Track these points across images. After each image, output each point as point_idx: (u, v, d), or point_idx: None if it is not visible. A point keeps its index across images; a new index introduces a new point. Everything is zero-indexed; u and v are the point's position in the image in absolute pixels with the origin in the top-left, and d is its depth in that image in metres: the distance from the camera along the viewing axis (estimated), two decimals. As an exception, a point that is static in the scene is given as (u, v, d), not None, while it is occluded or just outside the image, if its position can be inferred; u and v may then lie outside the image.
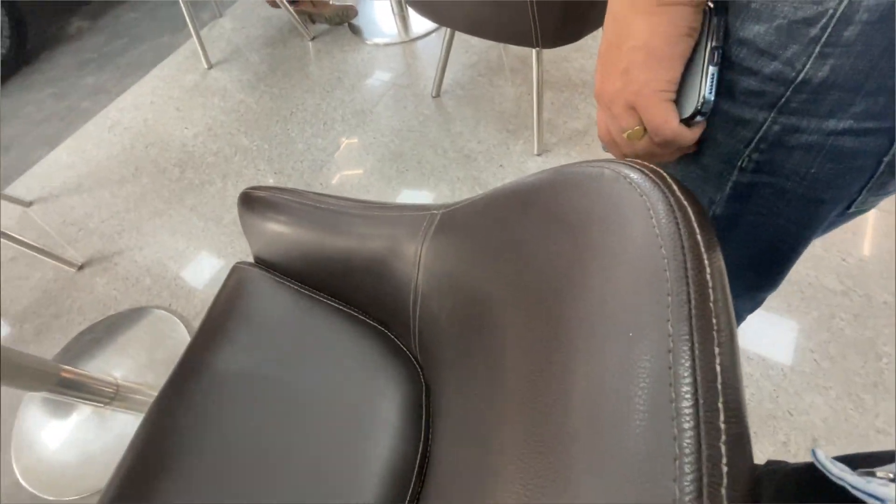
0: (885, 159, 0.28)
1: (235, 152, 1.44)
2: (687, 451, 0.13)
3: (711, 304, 0.16)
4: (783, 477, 0.21)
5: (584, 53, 1.47)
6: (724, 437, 0.13)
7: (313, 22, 1.75)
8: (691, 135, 0.31)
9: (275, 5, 1.75)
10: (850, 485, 0.18)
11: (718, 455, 0.13)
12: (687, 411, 0.14)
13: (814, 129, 0.27)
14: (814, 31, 0.24)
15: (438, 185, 1.25)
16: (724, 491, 0.13)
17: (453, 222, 0.40)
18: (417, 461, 0.46)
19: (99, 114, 1.67)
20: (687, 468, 0.13)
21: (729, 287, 0.17)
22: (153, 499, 0.48)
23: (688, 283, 0.16)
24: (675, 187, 0.20)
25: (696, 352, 0.15)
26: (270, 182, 1.35)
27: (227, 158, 1.43)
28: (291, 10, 1.67)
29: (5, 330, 1.18)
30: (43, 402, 1.05)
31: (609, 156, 0.36)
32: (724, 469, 0.13)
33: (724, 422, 0.14)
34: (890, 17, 0.22)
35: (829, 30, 0.24)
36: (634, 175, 0.21)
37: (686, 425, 0.14)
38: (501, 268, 0.30)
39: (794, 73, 0.26)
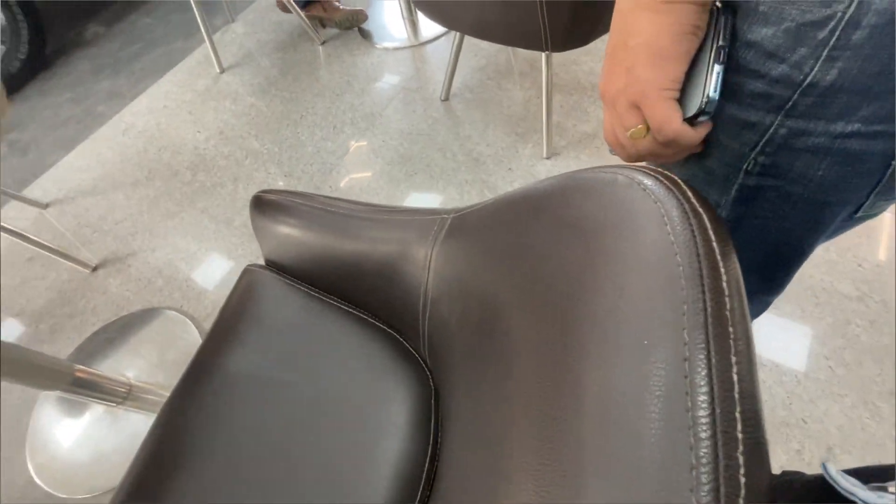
0: (894, 163, 0.28)
1: (246, 155, 1.46)
2: (704, 460, 0.13)
3: (728, 313, 0.15)
4: (800, 488, 0.21)
5: (593, 56, 1.46)
6: (741, 448, 0.13)
7: (324, 26, 1.77)
8: (695, 134, 0.31)
9: (286, 10, 1.77)
10: (861, 500, 0.18)
11: (736, 465, 0.13)
12: (703, 421, 0.14)
13: (821, 132, 0.27)
14: (822, 35, 0.24)
15: (447, 189, 1.25)
16: (741, 502, 0.13)
17: (464, 226, 0.40)
18: (426, 465, 0.46)
19: (114, 118, 1.70)
20: (704, 478, 0.13)
21: (745, 294, 0.17)
22: (165, 499, 0.48)
23: (703, 291, 0.16)
24: (690, 194, 0.20)
25: (713, 360, 0.15)
26: (280, 185, 1.36)
27: (238, 161, 1.44)
28: (302, 15, 1.68)
29: (21, 329, 1.20)
30: (57, 401, 1.07)
31: (619, 161, 0.35)
32: (742, 480, 0.13)
33: (742, 432, 0.13)
34: None
35: (837, 33, 0.24)
36: (648, 181, 0.21)
37: (703, 435, 0.14)
38: (513, 273, 0.30)
39: (801, 77, 0.26)
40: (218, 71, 1.75)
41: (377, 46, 1.69)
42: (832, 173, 0.29)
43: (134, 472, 0.51)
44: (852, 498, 0.18)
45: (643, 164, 0.31)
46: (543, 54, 1.08)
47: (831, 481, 0.20)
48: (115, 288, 1.22)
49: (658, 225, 0.19)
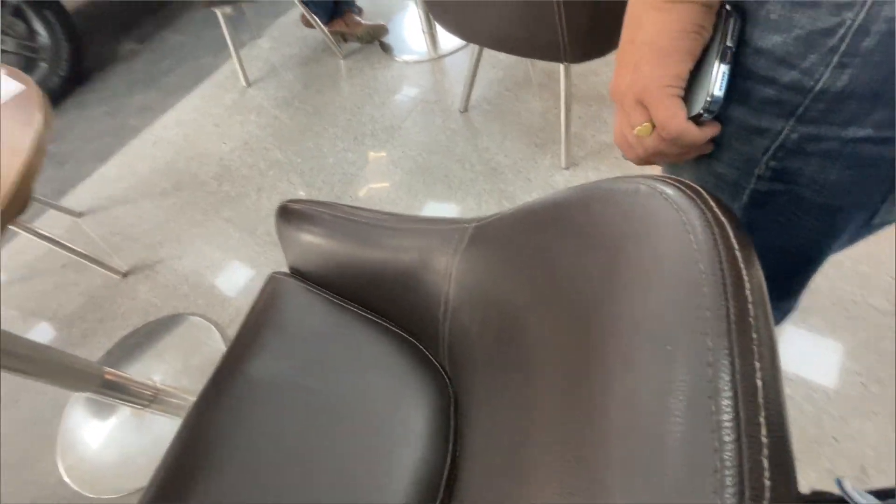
0: None
1: (270, 166, 1.50)
2: (728, 463, 0.13)
3: (752, 320, 0.16)
4: None
5: (612, 67, 1.46)
6: (766, 451, 0.13)
7: (346, 41, 1.81)
8: (700, 133, 0.31)
9: (310, 26, 1.82)
10: None
11: (760, 469, 0.13)
12: (727, 424, 0.14)
13: (833, 137, 0.27)
14: (832, 42, 0.24)
15: (465, 199, 1.26)
16: (766, 506, 0.13)
17: (485, 236, 0.41)
18: (445, 472, 0.46)
19: (145, 130, 1.77)
20: (728, 480, 0.13)
21: (769, 302, 0.17)
22: (190, 500, 0.50)
23: (727, 298, 0.16)
24: (712, 203, 0.20)
25: (736, 366, 0.15)
26: (301, 194, 1.39)
27: (262, 172, 1.48)
28: (325, 30, 1.73)
29: (55, 333, 1.25)
30: (86, 403, 1.10)
31: (635, 168, 0.36)
32: (767, 483, 0.13)
33: (767, 436, 0.14)
34: None
35: (847, 40, 0.24)
36: (670, 191, 0.22)
37: (727, 438, 0.14)
38: (535, 282, 0.31)
39: (812, 83, 0.26)
40: (244, 85, 1.81)
41: (397, 60, 1.72)
42: (844, 178, 0.29)
43: (161, 475, 0.52)
44: None
45: (665, 174, 0.32)
46: (562, 65, 1.08)
47: (847, 498, 0.20)
48: (143, 294, 1.27)
49: (680, 233, 0.19)
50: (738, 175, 0.33)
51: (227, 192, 1.46)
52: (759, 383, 0.14)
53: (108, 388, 0.94)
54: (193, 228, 1.39)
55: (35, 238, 1.31)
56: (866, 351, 0.84)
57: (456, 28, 1.19)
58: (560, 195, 0.31)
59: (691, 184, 0.22)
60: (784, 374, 0.85)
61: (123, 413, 1.07)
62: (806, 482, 0.75)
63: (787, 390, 0.84)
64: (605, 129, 1.31)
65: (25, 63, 1.93)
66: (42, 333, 1.26)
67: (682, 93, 0.30)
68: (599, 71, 1.46)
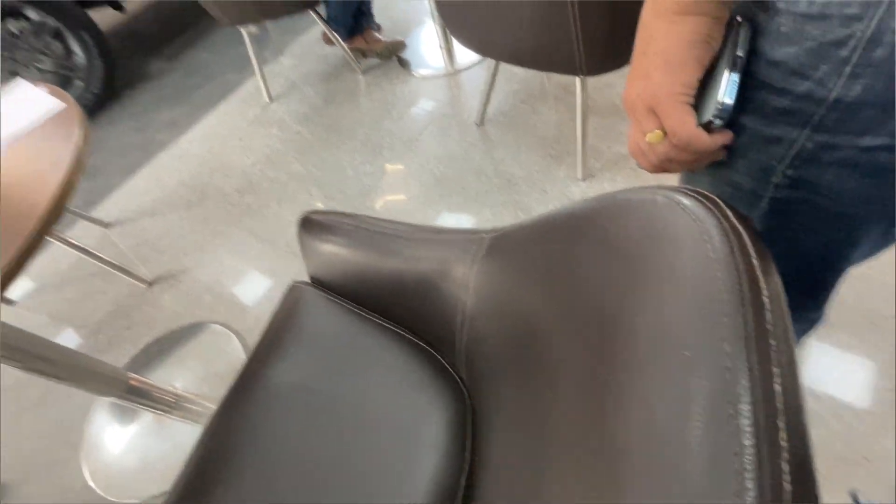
0: None
1: (290, 178, 1.53)
2: (748, 466, 0.14)
3: (769, 326, 0.16)
4: None
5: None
6: (786, 455, 0.14)
7: (365, 57, 1.86)
8: (710, 140, 0.32)
9: (330, 43, 1.88)
10: None
11: (780, 472, 0.13)
12: (747, 428, 0.14)
13: (849, 145, 0.27)
14: (844, 53, 0.25)
15: (481, 211, 1.27)
16: (786, 508, 0.13)
17: (503, 246, 0.41)
18: (463, 481, 0.46)
19: (172, 145, 1.83)
20: (749, 483, 0.13)
21: (788, 310, 0.18)
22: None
23: (743, 305, 0.17)
24: (728, 213, 0.21)
25: (755, 371, 0.15)
26: (319, 206, 1.42)
27: (283, 184, 1.52)
28: (346, 48, 1.78)
29: (83, 339, 1.29)
30: (110, 409, 1.13)
31: (655, 181, 0.36)
32: (788, 486, 0.13)
33: (787, 440, 0.14)
34: None
35: (858, 51, 0.24)
36: (687, 201, 0.22)
37: (747, 442, 0.14)
38: (553, 292, 0.31)
39: (825, 92, 0.26)
40: (267, 100, 1.86)
41: (415, 75, 1.76)
42: (862, 186, 0.29)
43: (183, 480, 0.54)
44: None
45: (682, 185, 0.32)
46: (578, 78, 1.09)
47: None
48: (167, 302, 1.30)
49: (698, 242, 0.20)
50: (754, 183, 0.34)
51: (249, 203, 1.50)
52: (778, 388, 0.15)
53: (133, 393, 0.96)
54: (216, 239, 1.42)
55: (67, 247, 1.36)
56: (897, 367, 0.81)
57: (473, 43, 1.21)
58: (578, 206, 0.32)
59: (708, 194, 0.23)
60: (811, 391, 0.83)
61: (145, 419, 1.09)
62: (834, 501, 0.72)
63: (815, 407, 0.82)
64: (621, 140, 1.31)
65: (62, 81, 2.02)
66: (71, 339, 1.30)
67: (691, 100, 0.31)
68: (615, 83, 1.47)
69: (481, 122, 1.50)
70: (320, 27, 1.73)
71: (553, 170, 1.30)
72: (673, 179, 0.43)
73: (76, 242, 1.35)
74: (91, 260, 1.36)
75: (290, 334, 0.63)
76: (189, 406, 1.06)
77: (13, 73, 1.92)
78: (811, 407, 0.82)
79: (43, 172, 0.58)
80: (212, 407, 1.11)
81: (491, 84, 1.40)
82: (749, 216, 0.35)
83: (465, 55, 1.75)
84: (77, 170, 0.57)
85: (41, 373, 0.83)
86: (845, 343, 0.86)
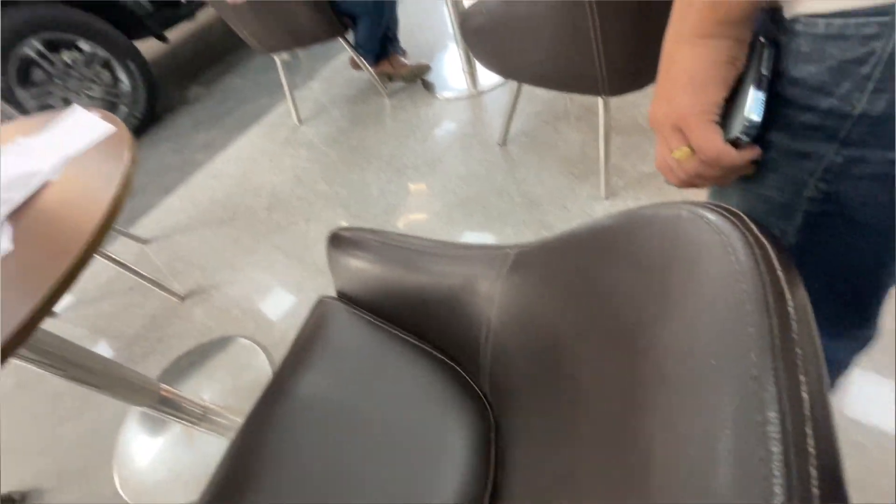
0: None
1: (317, 197, 1.58)
2: (776, 472, 0.14)
3: (795, 335, 0.16)
4: None
5: (651, 98, 1.47)
6: (813, 461, 0.14)
7: (391, 80, 1.93)
8: (739, 156, 0.32)
9: (357, 68, 1.95)
10: None
11: (808, 478, 0.13)
12: (775, 435, 0.14)
13: (878, 159, 0.28)
14: (865, 70, 0.25)
15: (504, 229, 1.28)
16: (816, 513, 0.13)
17: (528, 261, 0.42)
18: (487, 498, 0.46)
19: (207, 165, 1.92)
20: (777, 489, 0.14)
21: (815, 322, 0.18)
22: (240, 512, 0.52)
23: (769, 315, 0.17)
24: (753, 226, 0.21)
25: (781, 379, 0.15)
26: (345, 224, 1.46)
27: (310, 203, 1.57)
28: (372, 72, 1.85)
29: (119, 350, 1.34)
30: (141, 420, 1.17)
31: (682, 194, 0.36)
32: (816, 492, 0.13)
33: (814, 447, 0.14)
34: None
35: (880, 67, 0.25)
36: (711, 216, 0.23)
37: (774, 448, 0.14)
38: (578, 305, 0.32)
39: (850, 108, 0.27)
40: (296, 123, 1.94)
41: (439, 97, 1.80)
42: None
43: (210, 491, 0.55)
44: None
45: (708, 201, 0.33)
46: (600, 98, 1.11)
47: None
48: (198, 316, 1.35)
49: (722, 255, 0.20)
50: (787, 198, 0.34)
51: (277, 221, 1.55)
52: (805, 395, 0.15)
53: (163, 404, 0.99)
54: (246, 255, 1.47)
55: (107, 262, 1.43)
56: (946, 395, 0.77)
57: (496, 66, 1.24)
58: (602, 221, 0.33)
59: (731, 208, 0.23)
60: (854, 421, 0.79)
61: (175, 430, 1.12)
62: (882, 538, 0.68)
63: (857, 436, 0.78)
64: (645, 159, 1.31)
65: (108, 107, 2.16)
66: (107, 350, 1.35)
67: (717, 119, 0.32)
68: (638, 102, 1.47)
69: (504, 143, 1.52)
70: (348, 53, 1.80)
71: (576, 189, 1.30)
72: (701, 195, 0.43)
73: (116, 258, 1.42)
74: (129, 274, 1.42)
75: (317, 348, 0.64)
76: (216, 418, 1.09)
77: (66, 101, 2.07)
78: (853, 437, 0.78)
79: (95, 191, 0.62)
80: (238, 420, 1.13)
81: (513, 105, 1.42)
82: (785, 230, 0.35)
83: (488, 77, 1.79)
84: (125, 189, 0.61)
85: (81, 381, 0.87)
86: (887, 369, 0.82)
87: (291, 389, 0.61)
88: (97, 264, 1.57)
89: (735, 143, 0.31)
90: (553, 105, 1.58)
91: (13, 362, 0.58)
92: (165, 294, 1.41)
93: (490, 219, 1.32)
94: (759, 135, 0.31)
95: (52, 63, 1.98)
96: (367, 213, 1.47)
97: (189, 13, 2.42)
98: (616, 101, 1.49)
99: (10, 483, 1.13)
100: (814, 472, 0.13)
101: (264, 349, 1.21)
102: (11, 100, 1.91)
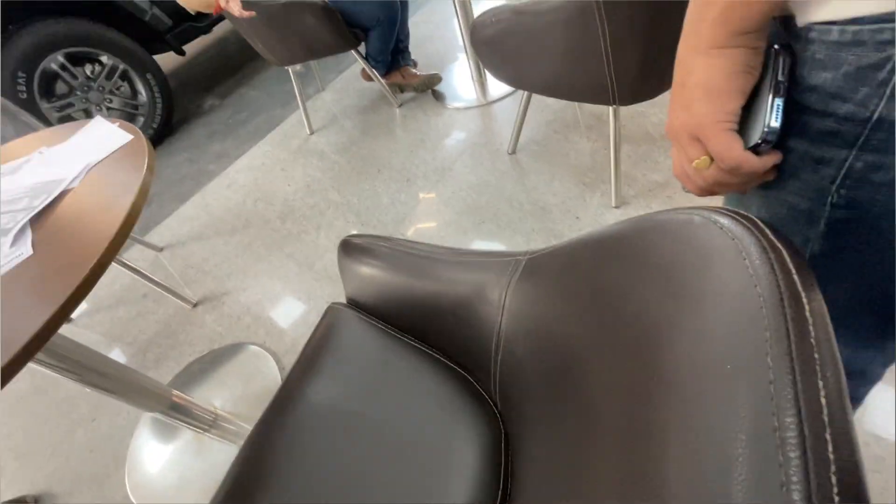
0: None
1: (328, 206, 1.60)
2: (794, 479, 0.14)
3: (812, 340, 0.16)
4: None
5: (661, 108, 1.47)
6: (833, 468, 0.13)
7: (402, 91, 1.95)
8: (760, 162, 0.32)
9: (369, 79, 1.98)
10: None
11: (829, 486, 0.13)
12: (792, 441, 0.14)
13: None
14: (882, 75, 0.25)
15: (514, 237, 1.28)
16: (836, 522, 0.13)
17: (539, 268, 0.42)
18: (497, 507, 0.45)
19: (221, 174, 1.96)
20: (796, 496, 0.13)
21: (832, 327, 0.18)
22: (249, 518, 0.52)
23: (786, 320, 0.17)
24: (767, 231, 0.21)
25: (799, 384, 0.15)
26: (354, 232, 1.47)
27: (322, 211, 1.59)
28: (384, 83, 1.88)
29: (132, 356, 1.36)
30: (153, 426, 1.17)
31: (694, 200, 0.36)
32: (836, 499, 0.13)
33: (833, 453, 0.14)
34: None
35: None
36: (724, 220, 0.22)
37: (792, 454, 0.14)
38: (590, 312, 0.32)
39: (868, 113, 0.27)
40: (308, 133, 1.97)
41: (449, 107, 1.82)
42: None
43: (220, 498, 0.55)
44: None
45: (719, 205, 0.32)
46: (611, 108, 1.11)
47: None
48: (210, 323, 1.36)
49: (736, 260, 0.20)
50: (810, 204, 0.34)
51: (289, 229, 1.57)
52: (824, 401, 0.15)
53: (175, 409, 1.00)
54: (258, 263, 1.49)
55: (122, 269, 1.46)
56: (972, 409, 0.75)
57: (506, 76, 1.25)
58: (614, 227, 0.32)
59: (744, 213, 0.23)
60: (878, 437, 0.77)
61: (185, 437, 1.13)
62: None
63: (878, 450, 0.75)
64: (656, 168, 1.30)
65: (127, 118, 2.22)
66: (121, 356, 1.37)
67: (735, 127, 0.32)
68: (647, 112, 1.47)
69: (513, 152, 1.52)
70: (360, 64, 1.83)
71: (586, 197, 1.30)
72: (715, 203, 0.42)
73: (132, 264, 1.44)
74: (143, 281, 1.44)
75: (327, 355, 0.65)
76: (226, 425, 1.09)
77: (87, 112, 2.12)
78: (876, 452, 0.76)
79: (113, 199, 0.64)
80: (247, 427, 1.14)
81: (523, 114, 1.43)
82: (808, 237, 0.35)
83: (498, 87, 1.81)
84: (143, 196, 0.62)
85: (95, 386, 0.88)
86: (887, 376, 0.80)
87: (301, 396, 0.61)
88: (112, 271, 1.60)
89: (755, 150, 0.31)
90: (563, 114, 1.59)
91: (30, 366, 0.59)
92: (178, 301, 1.43)
93: (500, 227, 1.32)
94: (779, 141, 0.31)
95: (74, 76, 2.04)
96: (377, 222, 1.48)
97: (206, 28, 2.48)
98: (625, 110, 1.49)
99: (23, 486, 1.14)
100: (834, 480, 0.13)
101: (275, 356, 1.22)
102: (35, 111, 1.97)
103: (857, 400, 0.50)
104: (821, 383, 0.15)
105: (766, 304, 0.17)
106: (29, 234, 0.63)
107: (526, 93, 1.35)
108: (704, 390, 0.19)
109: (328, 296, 1.32)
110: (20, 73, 1.90)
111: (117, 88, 2.17)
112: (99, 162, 0.74)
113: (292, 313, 1.31)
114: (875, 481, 0.74)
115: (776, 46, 0.30)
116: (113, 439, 1.17)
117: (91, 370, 0.86)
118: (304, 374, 0.63)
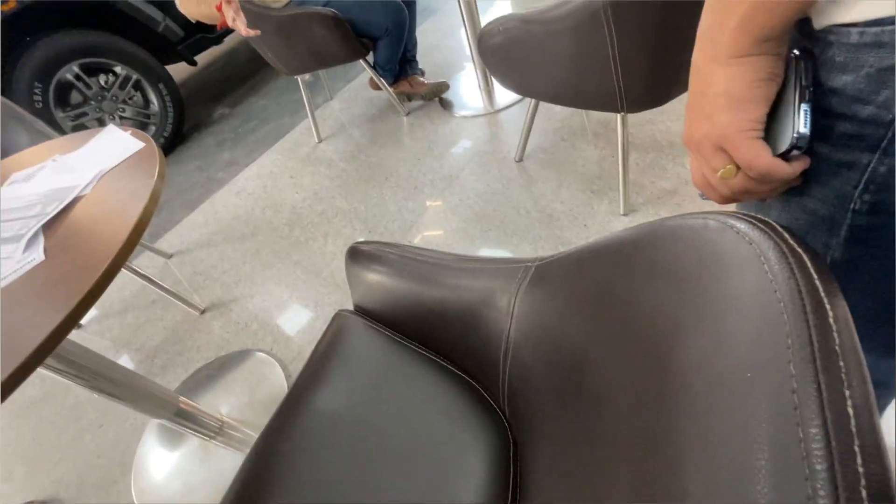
0: None
1: (336, 213, 1.60)
2: (822, 492, 0.13)
3: (837, 348, 0.15)
4: None
5: (669, 115, 1.46)
6: (863, 482, 0.13)
7: (410, 100, 1.96)
8: (790, 169, 0.31)
9: (377, 88, 2.00)
10: None
11: (859, 500, 0.13)
12: (818, 452, 0.14)
13: None
14: None
15: (521, 245, 1.27)
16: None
17: (548, 274, 0.42)
18: (506, 519, 0.45)
19: (230, 182, 1.97)
20: (823, 509, 0.13)
21: (860, 337, 0.17)
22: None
23: (809, 327, 0.16)
24: (786, 235, 0.20)
25: (824, 394, 0.15)
26: (361, 240, 1.47)
27: (329, 219, 1.59)
28: (392, 92, 1.89)
29: (139, 363, 1.37)
30: (159, 433, 1.17)
31: (709, 206, 0.36)
32: (868, 514, 0.12)
33: (863, 465, 0.13)
34: None
35: None
36: (741, 225, 0.22)
37: (818, 467, 0.13)
38: (602, 319, 0.31)
39: (890, 116, 0.26)
40: (316, 141, 1.99)
41: (456, 115, 1.83)
42: None
43: (228, 502, 0.55)
44: None
45: (733, 209, 0.32)
46: (619, 115, 1.11)
47: None
48: (217, 330, 1.36)
49: (755, 265, 0.19)
50: (832, 210, 0.33)
51: (297, 237, 1.57)
52: (851, 411, 0.14)
53: (181, 416, 1.00)
54: (265, 270, 1.50)
55: (132, 276, 1.47)
56: None
57: (513, 84, 1.26)
58: (625, 233, 0.32)
59: (761, 217, 0.23)
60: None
61: (192, 444, 1.13)
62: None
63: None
64: (664, 175, 1.29)
65: (139, 126, 2.25)
66: (129, 362, 1.38)
67: (762, 135, 0.31)
68: (656, 119, 1.46)
69: (521, 159, 1.52)
70: (368, 73, 1.85)
71: (594, 205, 1.29)
72: (729, 207, 0.42)
73: (141, 271, 1.46)
74: (152, 288, 1.45)
75: (334, 362, 0.64)
76: (232, 433, 1.09)
77: (100, 121, 2.16)
78: None
79: (124, 206, 0.64)
80: (253, 435, 1.13)
81: (530, 122, 1.43)
82: (829, 243, 0.34)
83: (505, 95, 1.81)
84: (154, 202, 0.63)
85: (104, 392, 0.88)
86: None
87: (308, 404, 0.60)
88: (122, 277, 1.61)
89: (784, 157, 0.31)
90: (570, 122, 1.59)
91: (39, 372, 0.59)
92: (186, 307, 1.44)
93: (507, 235, 1.31)
94: (809, 147, 0.31)
95: (88, 86, 2.08)
96: (384, 229, 1.48)
97: (218, 38, 2.53)
98: (633, 118, 1.49)
99: (31, 491, 1.14)
100: (864, 494, 0.13)
101: (281, 363, 1.22)
102: (50, 120, 2.01)
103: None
104: (847, 392, 0.14)
105: (786, 310, 0.17)
106: (41, 240, 0.64)
107: (533, 101, 1.35)
108: (722, 398, 0.18)
109: (335, 303, 1.32)
110: (36, 84, 1.94)
111: (130, 98, 2.21)
112: (111, 169, 0.75)
113: (299, 320, 1.31)
114: None
115: (795, 52, 0.30)
116: (120, 445, 1.18)
117: (99, 376, 0.87)
118: (311, 382, 0.63)
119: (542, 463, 0.41)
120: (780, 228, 0.21)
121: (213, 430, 1.06)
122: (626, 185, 1.22)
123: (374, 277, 0.63)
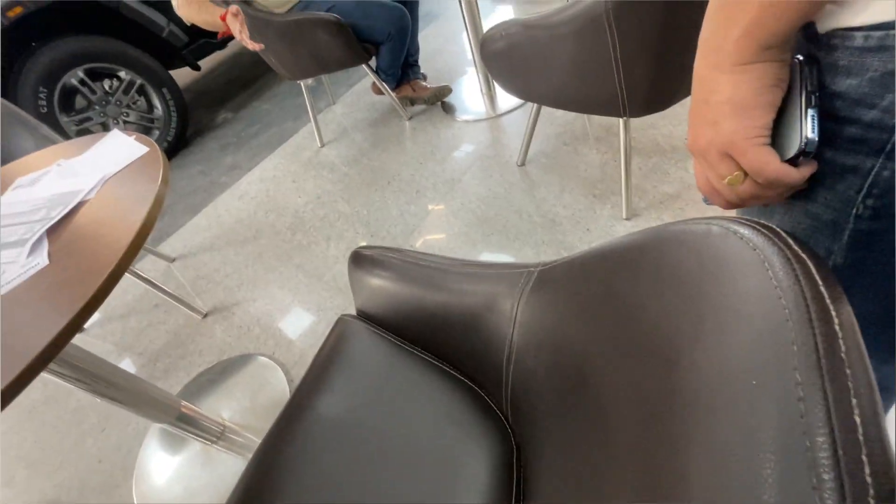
0: None
1: (338, 217, 1.61)
2: (829, 502, 0.13)
3: (843, 355, 0.15)
4: None
5: (671, 120, 1.46)
6: (871, 492, 0.13)
7: (412, 104, 1.97)
8: (799, 174, 0.31)
9: (379, 93, 2.01)
10: None
11: (868, 509, 0.12)
12: (825, 462, 0.14)
13: None
14: None
15: (523, 249, 1.27)
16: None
17: (551, 279, 0.42)
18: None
19: (233, 186, 1.98)
20: (832, 520, 0.13)
21: (863, 343, 0.17)
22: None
23: (814, 334, 0.16)
24: (790, 241, 0.20)
25: (831, 402, 0.14)
26: (363, 244, 1.47)
27: (331, 223, 1.60)
28: (394, 97, 1.90)
29: (142, 366, 1.37)
30: (161, 437, 1.17)
31: (713, 211, 0.36)
32: (877, 524, 0.12)
33: (871, 475, 0.13)
34: None
35: None
36: (745, 230, 0.22)
37: (826, 476, 0.13)
38: (606, 324, 0.31)
39: (894, 120, 0.26)
40: (319, 145, 1.99)
41: (458, 120, 1.83)
42: None
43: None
44: None
45: (737, 215, 0.32)
46: (621, 120, 1.11)
47: None
48: (219, 333, 1.36)
49: (759, 271, 0.19)
50: (835, 215, 0.33)
51: (299, 240, 1.58)
52: (858, 419, 0.14)
53: (183, 420, 1.00)
54: (268, 274, 1.50)
55: (135, 279, 1.47)
56: None
57: (515, 88, 1.26)
58: (629, 239, 0.32)
59: (765, 223, 0.23)
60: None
61: (193, 448, 1.13)
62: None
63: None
64: (667, 180, 1.29)
65: (143, 131, 2.26)
66: (131, 366, 1.38)
67: (769, 141, 0.31)
68: (658, 123, 1.47)
69: (523, 164, 1.53)
70: (370, 78, 1.86)
71: (597, 209, 1.29)
72: (731, 212, 0.42)
73: (144, 275, 1.46)
74: (155, 292, 1.46)
75: (337, 366, 0.64)
76: (233, 437, 1.09)
77: (104, 126, 2.17)
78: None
79: (128, 210, 0.65)
80: (255, 440, 1.13)
81: (532, 126, 1.43)
82: (831, 249, 0.34)
83: (507, 100, 1.82)
84: (158, 206, 0.63)
85: (106, 396, 0.88)
86: None
87: (311, 408, 0.60)
88: (125, 281, 1.62)
89: (792, 162, 0.31)
90: (572, 126, 1.59)
91: (42, 376, 0.59)
92: (189, 311, 1.44)
93: (509, 239, 1.31)
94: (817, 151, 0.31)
95: (93, 91, 2.09)
96: (386, 233, 1.48)
97: (221, 43, 2.55)
98: (635, 122, 1.49)
99: (32, 495, 1.14)
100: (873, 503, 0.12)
101: (283, 367, 1.22)
102: (54, 125, 2.02)
103: None
104: (854, 401, 0.14)
105: (791, 316, 0.17)
106: (45, 245, 0.64)
107: (535, 105, 1.35)
108: (727, 405, 0.18)
109: (337, 307, 1.32)
110: (41, 89, 1.96)
111: (134, 103, 2.22)
112: (115, 174, 0.75)
113: (301, 324, 1.31)
114: None
115: (799, 57, 0.30)
116: (121, 450, 1.17)
117: (102, 380, 0.87)
118: (314, 386, 0.63)
119: (544, 468, 0.41)
120: (783, 234, 0.21)
121: (214, 434, 1.05)
122: (629, 189, 1.22)
123: (377, 282, 0.63)
